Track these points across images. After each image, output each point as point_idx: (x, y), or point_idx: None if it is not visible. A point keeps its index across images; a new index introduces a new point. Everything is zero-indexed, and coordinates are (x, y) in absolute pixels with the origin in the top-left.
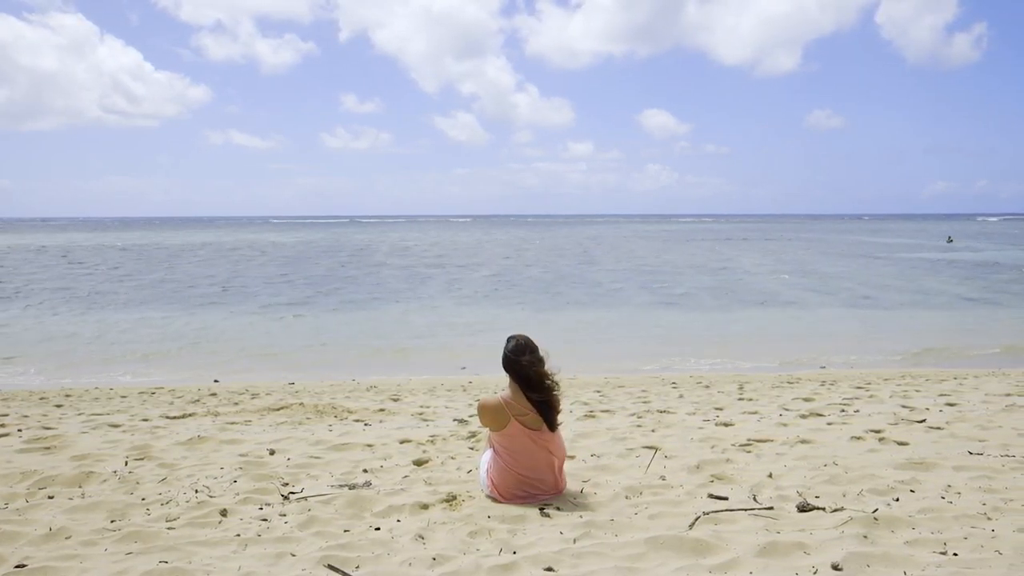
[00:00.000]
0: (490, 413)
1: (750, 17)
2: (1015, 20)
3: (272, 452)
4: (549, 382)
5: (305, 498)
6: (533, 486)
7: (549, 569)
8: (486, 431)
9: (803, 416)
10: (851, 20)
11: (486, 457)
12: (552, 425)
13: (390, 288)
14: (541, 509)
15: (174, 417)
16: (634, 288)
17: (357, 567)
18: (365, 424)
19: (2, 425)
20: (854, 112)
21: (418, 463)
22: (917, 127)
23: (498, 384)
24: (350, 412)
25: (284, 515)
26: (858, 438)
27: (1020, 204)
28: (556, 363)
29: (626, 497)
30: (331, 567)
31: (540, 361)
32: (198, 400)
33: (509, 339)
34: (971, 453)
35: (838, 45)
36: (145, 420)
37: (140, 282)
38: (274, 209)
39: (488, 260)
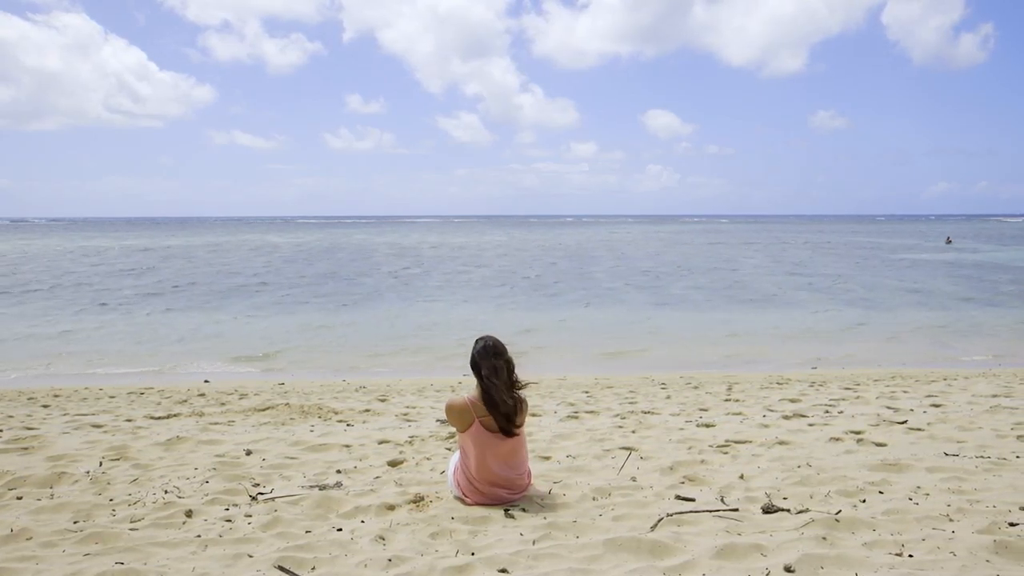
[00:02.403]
0: (456, 413)
1: (757, 18)
2: (1022, 21)
3: (249, 453)
4: (508, 399)
5: (273, 499)
6: (498, 487)
7: (503, 571)
8: None
9: (786, 417)
10: (857, 21)
11: (455, 458)
12: (509, 433)
13: (387, 288)
14: (506, 511)
15: (158, 417)
16: (631, 288)
17: (313, 568)
18: (347, 425)
19: None
20: (858, 113)
21: (392, 464)
22: (921, 128)
23: None
24: (335, 413)
25: (249, 516)
26: (837, 439)
27: (1020, 206)
28: (523, 362)
29: (593, 499)
30: (281, 568)
31: (505, 366)
32: (185, 400)
33: (477, 341)
34: (947, 454)
35: (844, 46)
36: (129, 420)
37: (160, 281)
38: (275, 209)
39: (488, 261)
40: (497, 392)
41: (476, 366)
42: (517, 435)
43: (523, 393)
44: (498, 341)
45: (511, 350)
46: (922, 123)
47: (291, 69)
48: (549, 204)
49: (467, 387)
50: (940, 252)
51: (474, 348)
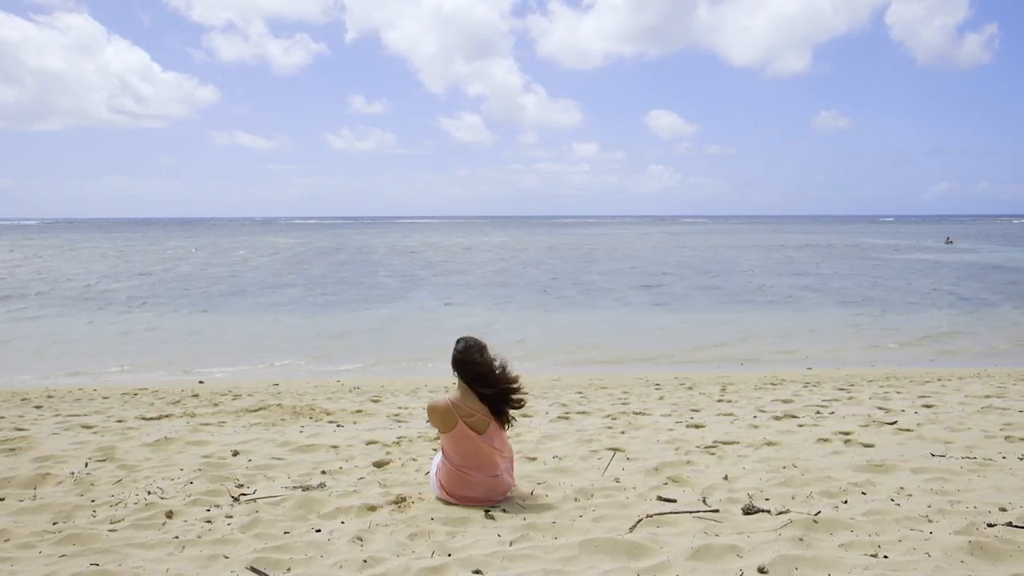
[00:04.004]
0: (438, 415)
1: (762, 18)
2: None
3: (236, 453)
4: (500, 372)
5: (255, 500)
6: (480, 487)
7: (477, 572)
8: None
9: (777, 418)
10: (862, 21)
11: (437, 459)
12: (503, 419)
13: (386, 288)
14: (487, 511)
15: (150, 418)
16: (629, 289)
17: (288, 569)
18: (338, 425)
19: None
20: (861, 113)
21: (378, 465)
22: (923, 128)
23: None
24: (327, 413)
25: (230, 517)
26: (825, 440)
27: (1021, 206)
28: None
29: (575, 499)
30: (254, 569)
31: (489, 362)
32: (179, 401)
33: (458, 340)
34: (933, 455)
35: (848, 46)
36: (120, 421)
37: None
38: (274, 210)
39: (487, 261)
40: (497, 371)
41: (461, 362)
42: (503, 432)
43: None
44: (479, 340)
45: (508, 350)
46: (924, 123)
47: (295, 70)
48: (549, 204)
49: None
50: (941, 252)
51: (456, 347)
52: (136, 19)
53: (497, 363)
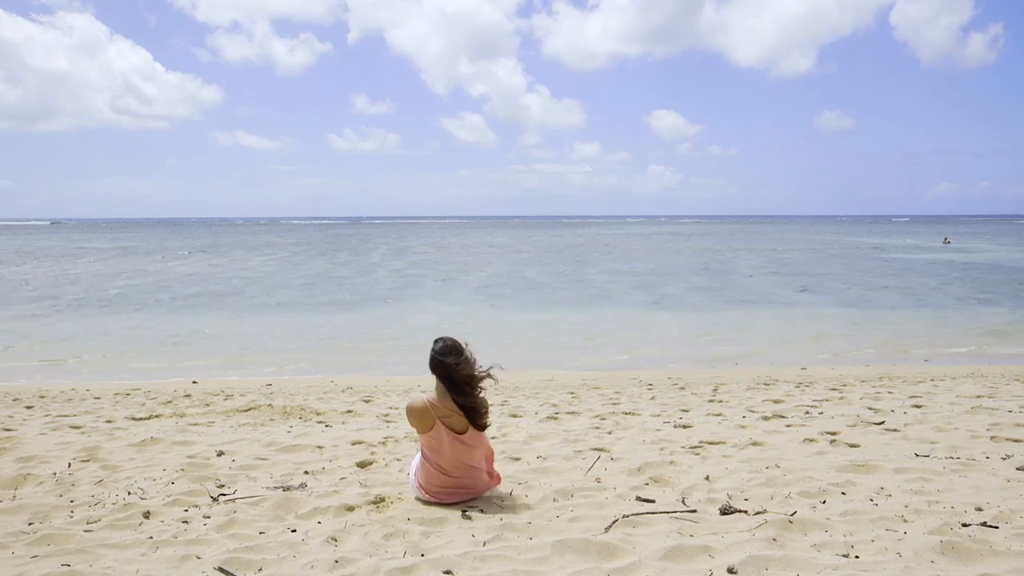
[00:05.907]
0: (416, 415)
1: (768, 19)
2: None
3: (220, 454)
4: (475, 387)
5: (234, 500)
6: (458, 487)
7: (448, 572)
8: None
9: (766, 418)
10: (867, 22)
11: (416, 459)
12: (479, 427)
13: (385, 288)
14: (464, 511)
15: (140, 419)
16: (626, 288)
17: (260, 569)
18: (326, 426)
19: None
20: (864, 113)
21: (361, 465)
22: (926, 128)
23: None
24: (317, 413)
25: (208, 517)
26: (811, 440)
27: (1021, 207)
28: (486, 363)
29: (554, 500)
30: (222, 570)
31: (467, 363)
32: (170, 401)
33: (436, 341)
34: (917, 455)
35: (853, 46)
36: (109, 422)
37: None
38: (278, 210)
39: (487, 261)
40: (472, 383)
41: (439, 364)
42: (482, 432)
43: (488, 395)
44: (456, 341)
45: (504, 350)
46: (927, 123)
47: (299, 70)
48: (550, 205)
49: None
50: (940, 252)
51: (433, 348)
52: (140, 19)
53: (475, 368)
